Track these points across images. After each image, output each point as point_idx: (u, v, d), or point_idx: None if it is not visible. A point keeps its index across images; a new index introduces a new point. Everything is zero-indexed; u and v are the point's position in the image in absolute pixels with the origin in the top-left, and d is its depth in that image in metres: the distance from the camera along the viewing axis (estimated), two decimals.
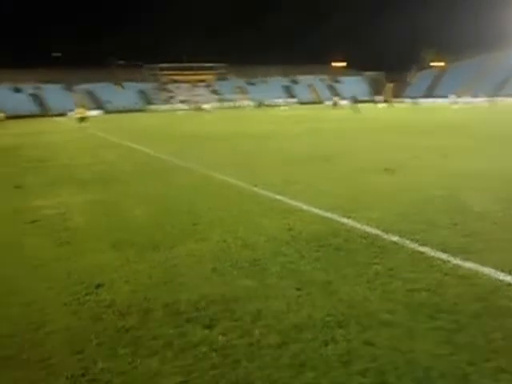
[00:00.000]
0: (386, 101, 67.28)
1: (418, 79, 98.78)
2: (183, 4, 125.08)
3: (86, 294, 4.93)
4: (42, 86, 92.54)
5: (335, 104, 65.32)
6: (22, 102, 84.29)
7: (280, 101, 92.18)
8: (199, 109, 68.71)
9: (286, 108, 60.04)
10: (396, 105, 66.77)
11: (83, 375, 3.52)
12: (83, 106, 51.85)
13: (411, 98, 78.59)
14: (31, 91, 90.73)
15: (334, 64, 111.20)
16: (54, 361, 3.73)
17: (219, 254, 6.05)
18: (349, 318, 4.24)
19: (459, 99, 61.20)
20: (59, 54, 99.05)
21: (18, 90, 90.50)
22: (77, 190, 10.92)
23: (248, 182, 10.75)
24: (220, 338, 3.99)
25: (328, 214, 7.80)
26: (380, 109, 56.93)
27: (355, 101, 55.60)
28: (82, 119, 41.65)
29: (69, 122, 49.82)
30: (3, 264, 5.97)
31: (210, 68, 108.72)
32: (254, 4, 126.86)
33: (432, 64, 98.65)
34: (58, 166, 15.38)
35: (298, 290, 4.89)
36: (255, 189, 10.12)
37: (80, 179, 12.38)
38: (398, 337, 3.88)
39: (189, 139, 23.97)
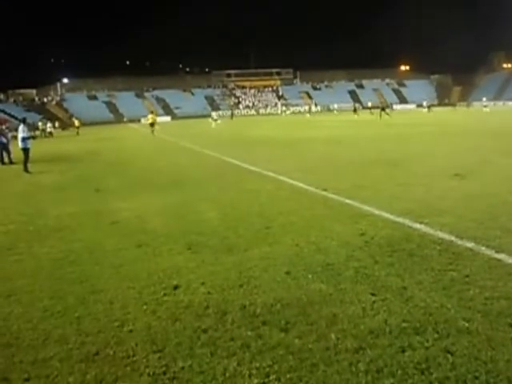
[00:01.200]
0: (428, 106, 64.47)
1: (487, 82, 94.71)
2: (250, 10, 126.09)
3: (165, 295, 5.09)
4: (116, 93, 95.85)
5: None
6: (96, 109, 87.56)
7: (345, 105, 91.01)
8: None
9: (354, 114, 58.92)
10: (459, 109, 64.79)
11: (164, 373, 3.64)
12: (153, 112, 53.49)
13: (479, 101, 75.91)
14: (105, 99, 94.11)
15: (400, 67, 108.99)
16: (137, 358, 3.87)
17: (293, 258, 6.09)
18: (425, 324, 4.17)
19: None
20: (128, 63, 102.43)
21: (93, 98, 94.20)
22: (153, 193, 11.29)
23: (318, 187, 10.74)
24: (296, 341, 4.01)
25: (400, 219, 7.68)
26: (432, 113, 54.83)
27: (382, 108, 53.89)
28: (153, 125, 42.76)
29: (140, 127, 51.38)
30: (87, 263, 6.25)
31: (277, 73, 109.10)
32: (321, 8, 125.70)
33: (502, 66, 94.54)
34: (134, 170, 15.98)
35: (373, 295, 4.85)
36: (325, 193, 10.10)
37: (155, 183, 12.79)
38: (477, 345, 3.77)
39: (256, 144, 24.22)
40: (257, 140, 26.88)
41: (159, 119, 55.68)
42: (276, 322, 4.36)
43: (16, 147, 20.00)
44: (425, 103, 68.69)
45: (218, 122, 51.15)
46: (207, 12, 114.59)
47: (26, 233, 8.06)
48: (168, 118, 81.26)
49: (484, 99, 64.84)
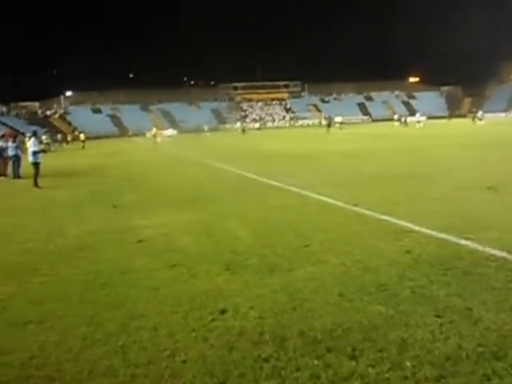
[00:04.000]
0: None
1: (497, 93, 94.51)
2: (256, 21, 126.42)
3: (213, 320, 4.70)
4: (120, 106, 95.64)
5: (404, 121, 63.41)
6: (100, 122, 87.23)
7: (355, 118, 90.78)
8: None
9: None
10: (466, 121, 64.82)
11: None
12: (158, 126, 53.98)
13: (490, 112, 75.66)
14: (109, 112, 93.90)
15: (409, 79, 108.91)
16: None
17: (342, 278, 5.71)
18: (504, 348, 3.85)
19: None
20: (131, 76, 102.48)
21: (97, 111, 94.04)
22: (174, 209, 10.90)
23: (347, 202, 10.37)
24: (370, 370, 3.65)
25: (443, 235, 7.33)
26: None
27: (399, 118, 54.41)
28: (159, 138, 43.00)
29: (146, 141, 51.25)
30: (120, 285, 5.86)
31: (284, 86, 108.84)
32: (328, 19, 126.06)
33: None
34: (150, 185, 15.60)
35: (438, 317, 4.52)
36: (357, 209, 9.73)
37: (174, 198, 12.41)
38: None
39: (271, 158, 23.89)
40: (270, 154, 26.50)
41: (166, 133, 56.23)
42: (342, 349, 4.00)
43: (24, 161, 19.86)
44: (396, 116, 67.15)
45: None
46: (212, 24, 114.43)
47: (47, 252, 7.66)
48: (175, 131, 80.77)
49: (480, 112, 64.56)
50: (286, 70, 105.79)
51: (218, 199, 12.05)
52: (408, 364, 3.71)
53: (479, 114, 63.55)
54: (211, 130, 73.88)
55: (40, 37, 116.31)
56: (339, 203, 10.43)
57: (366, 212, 9.36)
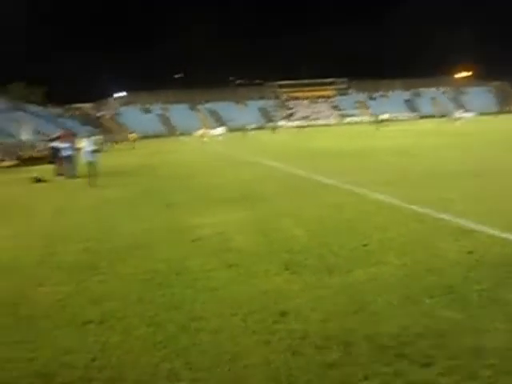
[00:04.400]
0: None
1: None
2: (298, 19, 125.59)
3: (274, 322, 4.57)
4: (169, 106, 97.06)
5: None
6: (150, 122, 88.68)
7: (401, 115, 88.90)
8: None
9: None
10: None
11: None
12: (206, 126, 54.77)
13: None
14: (159, 112, 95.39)
15: (457, 75, 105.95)
16: None
17: (404, 280, 5.49)
18: None
19: None
20: (181, 75, 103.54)
21: (146, 111, 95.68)
22: (226, 208, 10.84)
23: (403, 200, 10.08)
24: (445, 380, 3.45)
25: (507, 235, 6.98)
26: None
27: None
28: (208, 138, 43.73)
29: (194, 141, 51.78)
30: (177, 285, 5.80)
31: (331, 83, 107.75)
32: (376, 15, 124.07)
33: None
34: (201, 184, 15.60)
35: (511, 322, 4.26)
36: (413, 207, 9.42)
37: (225, 197, 12.35)
38: None
39: (320, 155, 23.64)
40: (319, 151, 26.24)
41: (215, 131, 56.86)
42: (411, 356, 3.80)
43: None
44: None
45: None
46: (259, 24, 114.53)
47: (104, 251, 7.70)
48: (223, 130, 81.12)
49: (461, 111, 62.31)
50: (332, 67, 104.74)
51: (271, 197, 11.91)
52: (486, 373, 3.48)
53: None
54: (257, 128, 73.70)
55: (90, 39, 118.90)
56: (395, 201, 10.15)
57: (423, 210, 9.05)
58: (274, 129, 70.59)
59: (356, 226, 8.21)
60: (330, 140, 38.40)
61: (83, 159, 17.78)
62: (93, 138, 18.23)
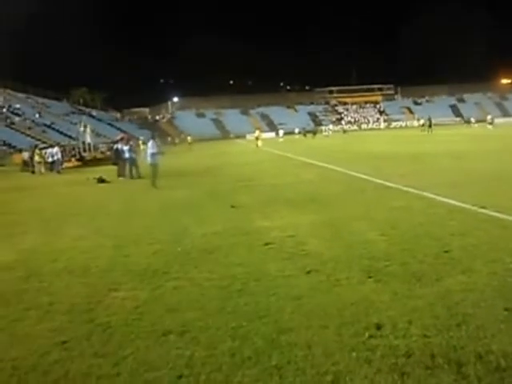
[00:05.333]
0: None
1: None
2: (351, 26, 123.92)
3: (370, 337, 4.16)
4: (222, 111, 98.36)
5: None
6: (204, 126, 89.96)
7: (447, 120, 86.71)
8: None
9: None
10: None
11: None
12: (259, 129, 54.95)
13: None
14: (212, 116, 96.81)
15: (501, 81, 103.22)
16: None
17: (502, 290, 4.99)
18: None
19: None
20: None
21: (201, 116, 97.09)
22: (294, 210, 10.49)
23: (474, 204, 9.47)
24: None
25: None
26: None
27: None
28: (260, 142, 44.39)
29: (249, 143, 51.72)
30: (259, 293, 5.45)
31: (378, 89, 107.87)
32: (419, 20, 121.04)
33: None
34: (264, 186, 15.28)
35: None
36: (485, 211, 8.86)
37: (291, 199, 11.99)
38: None
39: (377, 158, 22.86)
40: (374, 155, 25.39)
41: (267, 135, 57.14)
42: None
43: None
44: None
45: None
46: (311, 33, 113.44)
47: (175, 254, 7.46)
48: (273, 134, 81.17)
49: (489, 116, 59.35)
50: (380, 73, 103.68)
51: (336, 200, 11.46)
52: None
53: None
54: (307, 132, 73.10)
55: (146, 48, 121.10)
56: (465, 205, 9.52)
57: (498, 215, 8.45)
58: (314, 133, 69.32)
59: (432, 231, 7.68)
60: (382, 144, 37.28)
61: (146, 161, 17.75)
62: (154, 140, 17.99)
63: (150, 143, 17.82)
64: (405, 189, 12.27)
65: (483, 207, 9.11)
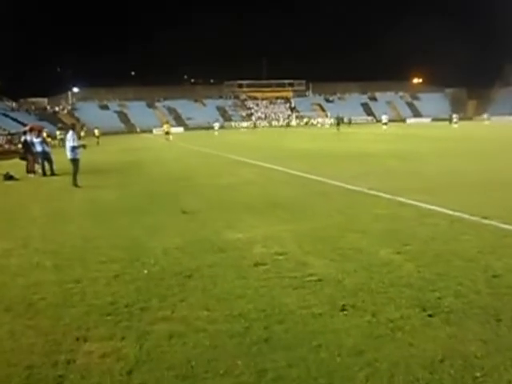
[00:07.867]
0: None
1: (502, 96, 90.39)
2: (263, 21, 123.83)
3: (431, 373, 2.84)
4: (127, 103, 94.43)
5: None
6: (108, 118, 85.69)
7: (359, 119, 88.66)
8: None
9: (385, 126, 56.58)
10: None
11: None
12: (168, 123, 53.07)
13: (496, 115, 73.48)
14: (117, 108, 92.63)
15: (413, 80, 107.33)
16: None
17: None
18: None
19: None
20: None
21: (104, 108, 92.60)
22: (259, 217, 9.08)
23: (473, 214, 8.46)
24: None
25: None
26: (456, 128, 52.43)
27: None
28: (168, 133, 44.54)
29: (157, 138, 49.57)
30: (296, 347, 3.98)
31: (289, 84, 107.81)
32: (334, 20, 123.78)
33: None
34: (206, 186, 13.61)
35: None
36: (490, 222, 7.90)
37: (248, 203, 10.54)
38: None
39: (313, 157, 21.90)
40: (305, 153, 24.31)
41: (175, 129, 55.80)
42: None
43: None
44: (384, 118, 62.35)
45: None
46: (219, 24, 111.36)
47: (143, 279, 5.78)
48: (181, 128, 78.75)
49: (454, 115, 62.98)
50: (292, 69, 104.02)
51: (303, 206, 10.14)
52: None
53: (485, 116, 64.08)
54: (219, 127, 71.71)
55: (45, 34, 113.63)
56: (462, 215, 8.49)
57: (508, 227, 7.52)
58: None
59: (453, 249, 6.50)
60: (303, 141, 36.23)
61: (67, 155, 15.31)
62: (73, 131, 15.56)
63: (69, 135, 15.36)
64: (372, 192, 11.20)
65: (484, 218, 8.14)
